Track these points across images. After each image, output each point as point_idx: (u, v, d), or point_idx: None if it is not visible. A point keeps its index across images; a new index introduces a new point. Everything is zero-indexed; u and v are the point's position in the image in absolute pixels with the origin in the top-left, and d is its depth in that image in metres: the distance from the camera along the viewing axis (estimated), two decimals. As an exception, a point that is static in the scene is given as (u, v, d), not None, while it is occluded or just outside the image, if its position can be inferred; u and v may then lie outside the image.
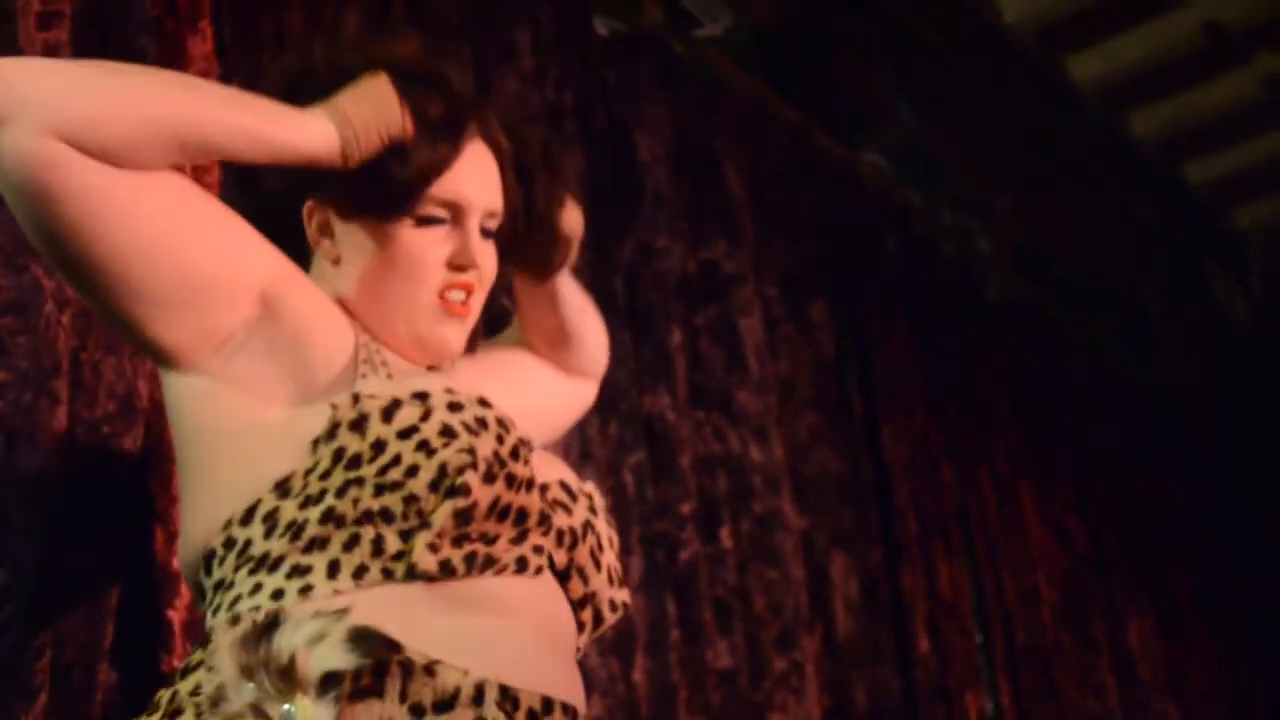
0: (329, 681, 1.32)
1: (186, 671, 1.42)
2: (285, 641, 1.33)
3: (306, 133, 1.49)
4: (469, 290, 1.64)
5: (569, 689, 1.53)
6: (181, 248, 1.45)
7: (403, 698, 1.37)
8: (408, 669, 1.38)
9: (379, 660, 1.36)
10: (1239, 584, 5.11)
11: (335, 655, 1.33)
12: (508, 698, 1.42)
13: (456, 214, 1.61)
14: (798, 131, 3.84)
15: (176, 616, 2.11)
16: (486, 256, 1.65)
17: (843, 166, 3.99)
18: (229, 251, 1.49)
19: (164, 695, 1.42)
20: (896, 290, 4.04)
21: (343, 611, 1.36)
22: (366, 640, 1.35)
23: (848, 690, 3.40)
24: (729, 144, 3.54)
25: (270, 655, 1.33)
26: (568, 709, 1.49)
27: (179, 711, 1.38)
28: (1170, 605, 4.73)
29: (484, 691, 1.41)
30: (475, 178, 1.63)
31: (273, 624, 1.35)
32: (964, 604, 3.89)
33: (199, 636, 1.45)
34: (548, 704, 1.46)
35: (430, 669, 1.39)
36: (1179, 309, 5.21)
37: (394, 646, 1.37)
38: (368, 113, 1.53)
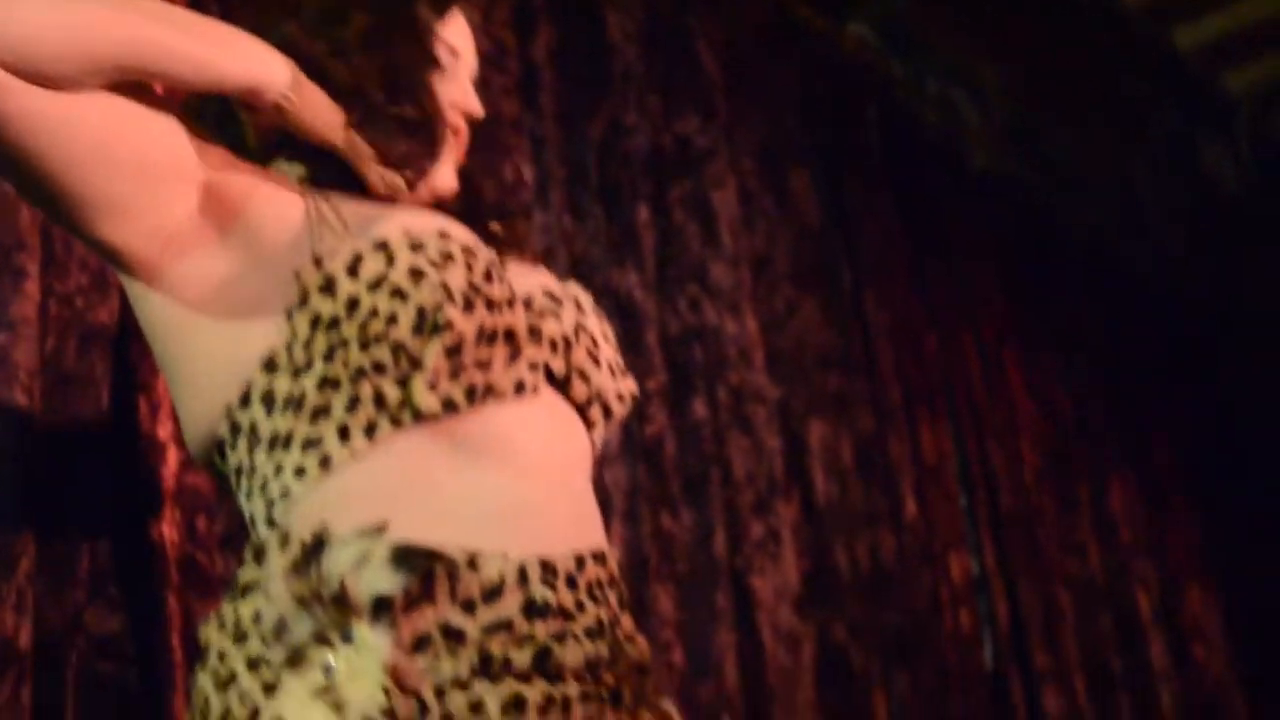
0: (381, 605, 1.37)
1: (246, 591, 1.45)
2: (333, 567, 1.38)
3: (256, 64, 1.50)
4: (459, 130, 1.71)
5: (591, 533, 1.57)
6: (121, 153, 1.47)
7: (453, 597, 1.41)
8: (452, 570, 1.41)
9: (423, 570, 1.39)
10: (1219, 450, 5.17)
11: (382, 578, 1.38)
12: (548, 570, 1.47)
13: (454, 60, 1.70)
14: (777, 3, 3.84)
15: (165, 484, 2.18)
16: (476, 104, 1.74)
17: (824, 39, 3.99)
18: (167, 150, 1.51)
19: (227, 614, 1.45)
20: (879, 161, 4.06)
21: (382, 528, 1.40)
22: (408, 558, 1.39)
23: (829, 555, 3.47)
24: (704, 19, 3.53)
25: (322, 582, 1.38)
26: (596, 556, 1.54)
27: (244, 637, 1.42)
28: (1151, 470, 4.80)
29: (527, 572, 1.45)
30: (462, 37, 1.73)
31: (318, 547, 1.39)
32: (949, 469, 3.96)
33: (250, 549, 1.48)
34: (580, 561, 1.51)
35: (473, 562, 1.42)
36: (1167, 177, 5.21)
37: (434, 555, 1.41)
38: (318, 100, 1.56)
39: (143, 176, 1.49)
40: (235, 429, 1.52)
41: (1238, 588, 4.93)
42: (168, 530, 2.18)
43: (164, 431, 2.18)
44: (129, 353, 2.13)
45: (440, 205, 1.72)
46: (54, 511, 2.02)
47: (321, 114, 1.56)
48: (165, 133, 1.52)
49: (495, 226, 1.76)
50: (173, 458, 2.18)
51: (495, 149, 2.81)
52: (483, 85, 1.79)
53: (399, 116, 1.62)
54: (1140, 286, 5.14)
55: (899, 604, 3.60)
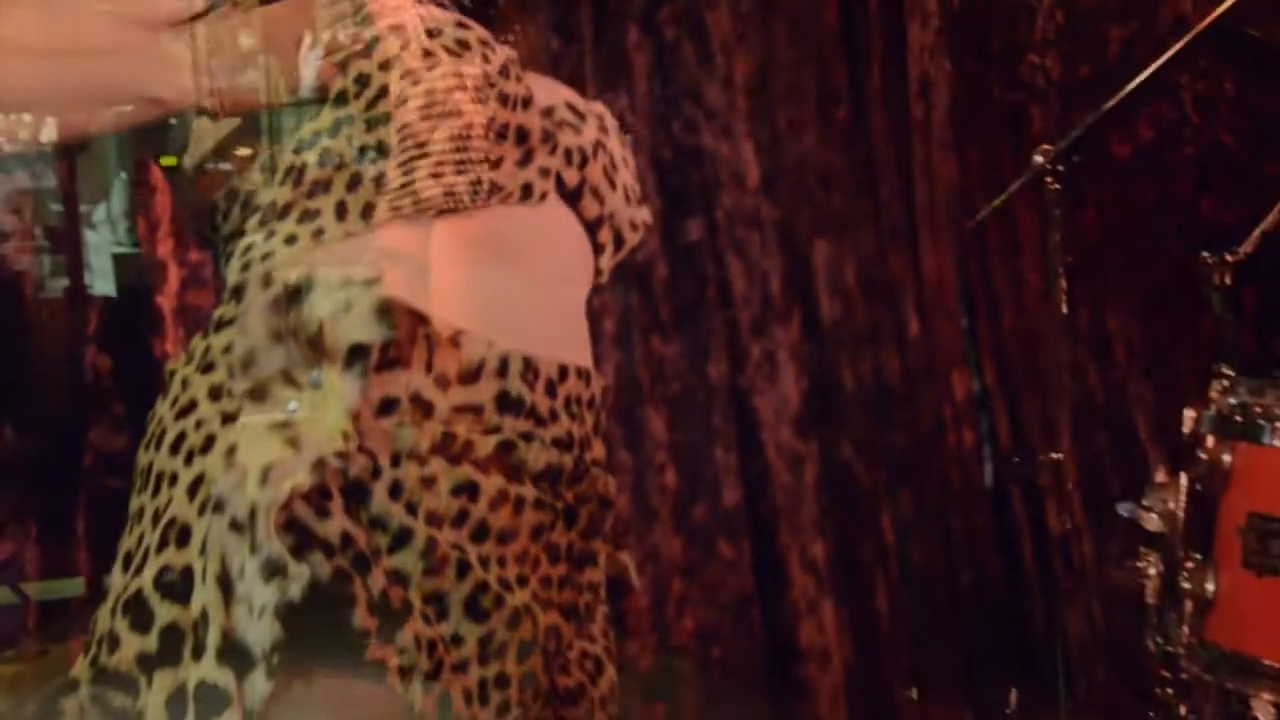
0: (356, 353, 1.36)
1: (220, 326, 1.45)
2: (314, 310, 1.37)
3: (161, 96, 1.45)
4: None
5: (579, 350, 1.57)
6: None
7: (428, 369, 1.40)
8: (433, 340, 1.40)
9: (405, 332, 1.38)
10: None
11: (362, 327, 1.36)
12: (530, 368, 1.47)
13: None
14: None
15: (166, 303, 2.20)
16: None
17: None
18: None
19: (197, 347, 1.46)
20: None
21: (372, 281, 1.38)
22: (392, 313, 1.38)
23: (835, 373, 3.50)
24: None
25: (300, 323, 1.37)
26: (580, 372, 1.54)
27: (212, 366, 1.42)
28: (1150, 290, 4.77)
29: (508, 364, 1.45)
30: None
31: (302, 289, 1.38)
32: (950, 288, 3.95)
33: (229, 289, 1.49)
34: (564, 371, 1.51)
35: (456, 340, 1.42)
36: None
37: (420, 319, 1.40)
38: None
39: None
40: (231, 195, 1.51)
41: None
42: (171, 349, 2.20)
43: (164, 249, 2.19)
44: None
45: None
46: (53, 331, 2.04)
47: (239, 79, 1.47)
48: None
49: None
50: (174, 276, 2.19)
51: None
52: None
53: None
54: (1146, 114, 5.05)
55: (903, 422, 3.63)
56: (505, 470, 1.45)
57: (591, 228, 1.63)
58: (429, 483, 1.40)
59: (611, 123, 1.68)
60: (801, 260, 3.47)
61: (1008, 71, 3.54)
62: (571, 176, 1.58)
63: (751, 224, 3.34)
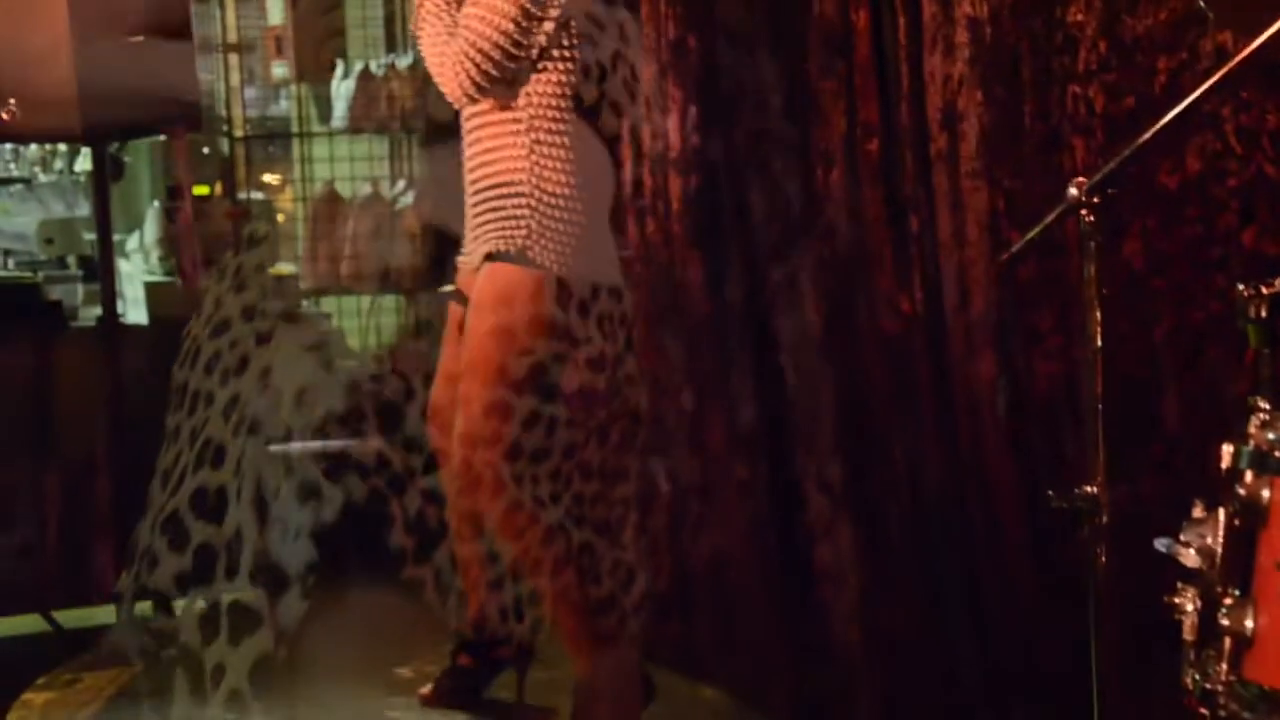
0: (388, 275, 1.38)
1: (252, 243, 1.46)
2: (347, 233, 1.39)
3: None
4: None
5: (608, 268, 1.60)
6: None
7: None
8: (467, 264, 1.46)
9: (438, 255, 1.41)
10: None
11: (396, 250, 1.39)
12: (563, 290, 1.52)
13: None
14: None
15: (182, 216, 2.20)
16: None
17: None
18: None
19: (229, 264, 1.48)
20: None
21: (402, 208, 1.41)
22: (425, 235, 1.40)
23: (850, 300, 3.49)
24: None
25: (335, 245, 1.38)
26: (612, 291, 1.58)
27: (244, 286, 1.44)
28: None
29: (541, 286, 1.53)
30: None
31: (334, 209, 1.40)
32: (971, 217, 3.93)
33: (258, 206, 1.49)
34: (595, 290, 1.56)
35: (490, 262, 1.49)
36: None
37: (454, 242, 1.42)
38: None
39: None
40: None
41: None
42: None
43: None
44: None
45: None
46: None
47: None
48: None
49: None
50: (185, 195, 2.19)
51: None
52: None
53: None
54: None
55: (922, 350, 3.62)
56: (538, 391, 1.46)
57: (611, 143, 1.65)
58: (463, 404, 1.41)
59: (633, 29, 1.69)
60: (821, 184, 3.45)
61: (1043, 102, 3.52)
62: (589, 93, 1.59)
63: (773, 146, 3.31)
